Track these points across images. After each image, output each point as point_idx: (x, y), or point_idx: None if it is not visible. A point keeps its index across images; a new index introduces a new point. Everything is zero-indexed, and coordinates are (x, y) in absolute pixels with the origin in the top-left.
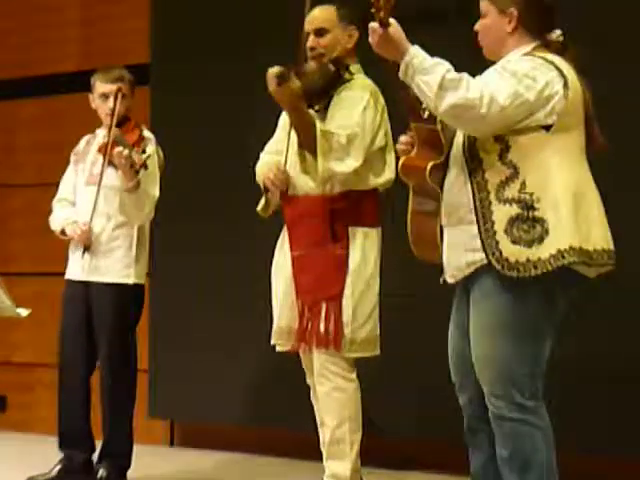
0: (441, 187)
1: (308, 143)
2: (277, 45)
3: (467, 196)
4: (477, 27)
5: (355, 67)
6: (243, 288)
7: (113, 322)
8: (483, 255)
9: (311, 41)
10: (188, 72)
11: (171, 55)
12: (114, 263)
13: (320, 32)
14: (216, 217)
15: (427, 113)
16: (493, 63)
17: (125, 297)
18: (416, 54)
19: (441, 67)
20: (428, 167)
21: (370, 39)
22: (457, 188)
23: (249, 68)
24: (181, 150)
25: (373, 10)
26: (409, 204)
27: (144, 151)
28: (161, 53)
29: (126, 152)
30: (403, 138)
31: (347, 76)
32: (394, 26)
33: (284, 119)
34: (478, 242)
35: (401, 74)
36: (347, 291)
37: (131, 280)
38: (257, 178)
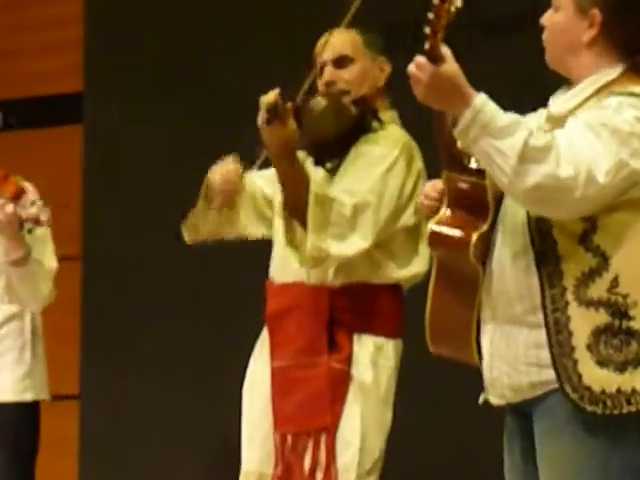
0: (483, 264)
1: (296, 207)
2: None
3: (530, 288)
4: (544, 21)
5: (388, 114)
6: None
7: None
8: (554, 375)
9: (329, 73)
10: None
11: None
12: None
13: (341, 62)
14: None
15: (474, 163)
16: (559, 77)
17: (19, 420)
18: (484, 106)
19: (521, 128)
20: (473, 239)
21: (413, 80)
22: (513, 274)
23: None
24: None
25: (427, 31)
26: (431, 279)
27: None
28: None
29: (10, 207)
30: (430, 188)
31: (374, 125)
32: (450, 61)
33: None
34: (546, 356)
35: (459, 133)
36: (345, 423)
37: (28, 396)
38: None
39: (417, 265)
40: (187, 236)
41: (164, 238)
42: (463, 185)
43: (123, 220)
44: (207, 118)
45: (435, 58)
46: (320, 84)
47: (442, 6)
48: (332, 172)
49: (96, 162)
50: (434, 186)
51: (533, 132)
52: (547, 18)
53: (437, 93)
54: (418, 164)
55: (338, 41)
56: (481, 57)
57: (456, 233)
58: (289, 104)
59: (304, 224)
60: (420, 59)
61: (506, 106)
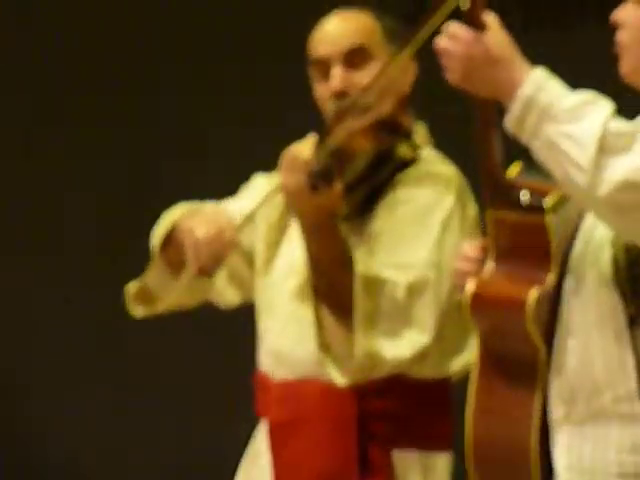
0: (547, 341)
1: (333, 292)
2: None
3: (624, 366)
4: (618, 16)
5: (420, 132)
6: None
7: None
8: None
9: (338, 79)
10: None
11: None
12: None
13: (355, 58)
14: None
15: (527, 196)
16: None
17: None
18: (545, 83)
19: (597, 108)
20: (531, 299)
21: (445, 55)
22: (599, 347)
23: None
24: None
25: None
26: (473, 371)
27: None
28: None
29: None
30: (469, 247)
31: (406, 151)
32: (495, 28)
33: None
34: None
35: (513, 122)
36: None
37: None
38: (156, 235)
39: (471, 351)
40: (137, 310)
41: None
42: (514, 226)
43: None
44: None
45: (476, 24)
46: (324, 92)
47: None
48: (350, 220)
49: None
50: (474, 245)
51: (612, 111)
52: (621, 12)
53: (479, 71)
54: (472, 209)
55: (348, 27)
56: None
57: (506, 292)
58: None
59: (343, 318)
60: (454, 27)
61: None
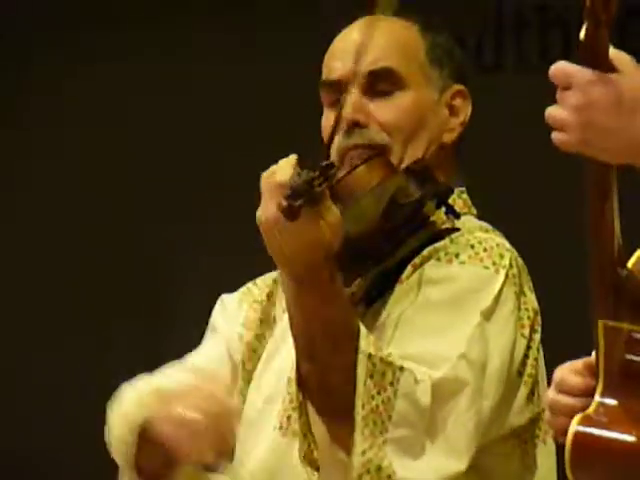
0: None
1: (326, 384)
2: None
3: None
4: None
5: (461, 199)
6: None
7: None
8: None
9: (354, 105)
10: None
11: None
12: None
13: (381, 82)
14: None
15: None
16: None
17: None
18: None
19: None
20: None
21: (553, 111)
22: None
23: None
24: None
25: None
26: None
27: None
28: None
29: None
30: (569, 372)
31: (442, 219)
32: (629, 69)
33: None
34: None
35: None
36: None
37: None
38: (115, 445)
39: None
40: None
41: None
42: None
43: None
44: None
45: (598, 62)
46: (329, 126)
47: None
48: (359, 304)
49: None
50: (574, 368)
51: None
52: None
53: (605, 124)
54: (531, 300)
55: (376, 41)
56: None
57: (626, 435)
58: (332, 172)
59: (339, 421)
60: (566, 66)
61: None
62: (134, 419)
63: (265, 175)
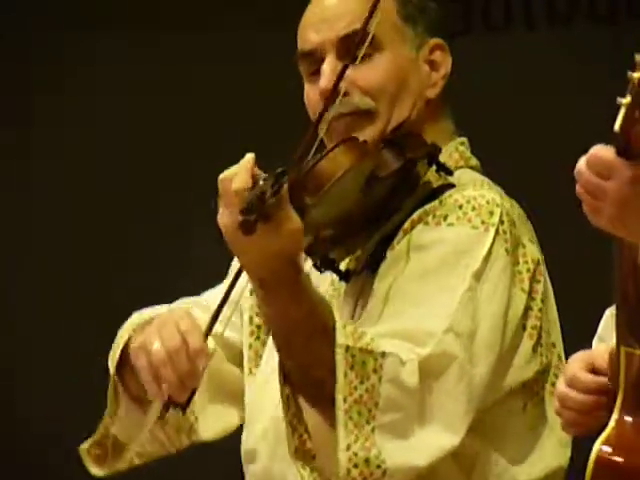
0: None
1: (308, 379)
2: None
3: None
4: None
5: (453, 147)
6: None
7: None
8: None
9: (327, 75)
10: None
11: None
12: None
13: (355, 48)
14: None
15: None
16: None
17: None
18: None
19: None
20: None
21: (592, 190)
22: None
23: None
24: None
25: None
26: None
27: None
28: None
29: None
30: (580, 367)
31: (431, 177)
32: None
33: None
34: None
35: None
36: None
37: None
38: (110, 361)
39: (543, 459)
40: (98, 469)
41: None
42: None
43: None
44: None
45: (634, 153)
46: (313, 95)
47: None
48: (351, 277)
49: None
50: (586, 364)
51: None
52: None
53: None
54: (532, 251)
55: (346, 5)
56: None
57: None
58: (284, 181)
59: (326, 412)
60: (603, 152)
61: None
62: (123, 342)
63: (221, 178)
